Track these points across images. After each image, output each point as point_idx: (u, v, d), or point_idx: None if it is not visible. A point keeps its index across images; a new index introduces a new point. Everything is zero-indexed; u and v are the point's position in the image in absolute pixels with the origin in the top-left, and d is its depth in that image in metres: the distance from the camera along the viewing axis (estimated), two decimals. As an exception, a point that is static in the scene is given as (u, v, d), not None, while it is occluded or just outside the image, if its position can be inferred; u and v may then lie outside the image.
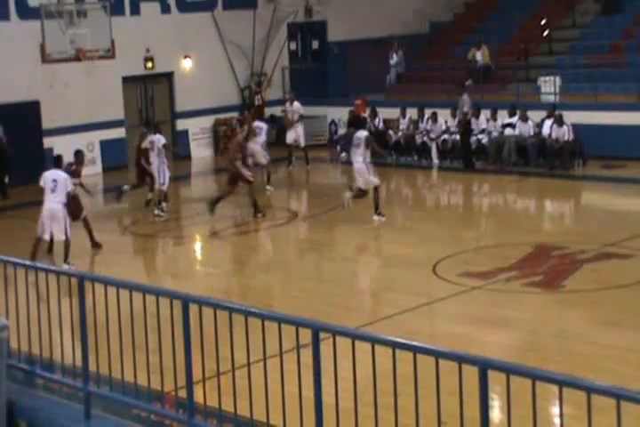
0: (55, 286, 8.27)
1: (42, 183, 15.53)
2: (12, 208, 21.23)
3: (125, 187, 20.76)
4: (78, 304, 7.80)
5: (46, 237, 15.48)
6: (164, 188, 19.63)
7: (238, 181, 19.06)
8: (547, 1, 29.53)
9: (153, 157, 19.77)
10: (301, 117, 24.88)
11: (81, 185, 17.02)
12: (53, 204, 15.33)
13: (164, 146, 19.71)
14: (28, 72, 23.50)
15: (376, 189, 18.02)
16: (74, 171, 16.63)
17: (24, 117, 23.44)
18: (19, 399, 8.20)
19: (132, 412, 8.03)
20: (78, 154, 17.33)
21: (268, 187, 21.72)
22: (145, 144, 20.03)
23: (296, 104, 24.83)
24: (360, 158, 17.86)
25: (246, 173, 18.95)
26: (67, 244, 15.42)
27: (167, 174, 19.73)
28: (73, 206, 16.05)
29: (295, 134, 24.67)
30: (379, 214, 17.87)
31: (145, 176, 20.47)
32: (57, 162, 16.23)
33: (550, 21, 28.33)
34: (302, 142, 24.75)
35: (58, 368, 8.33)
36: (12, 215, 20.76)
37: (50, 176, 15.53)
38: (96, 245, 16.76)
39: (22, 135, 23.09)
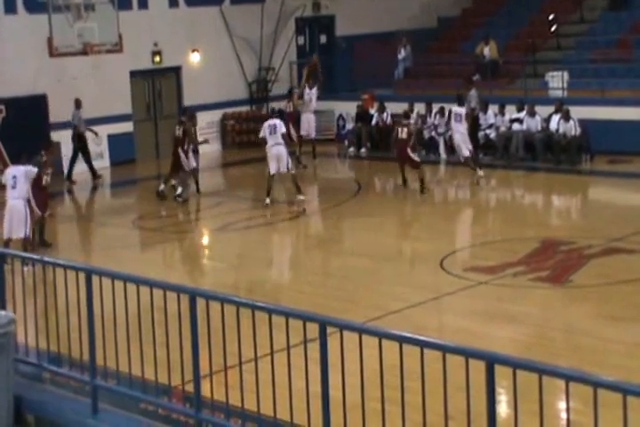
0: (62, 279, 8.30)
1: (2, 180, 15.35)
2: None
3: (179, 191, 20.57)
4: (86, 298, 7.82)
5: (8, 236, 15.05)
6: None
7: None
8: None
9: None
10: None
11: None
12: (13, 200, 15.08)
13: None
14: (35, 66, 23.51)
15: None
16: (44, 162, 16.39)
17: (31, 111, 23.45)
18: (26, 393, 8.23)
19: (139, 406, 8.04)
20: (50, 145, 17.15)
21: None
22: (178, 133, 20.20)
23: (314, 90, 24.96)
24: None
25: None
26: (26, 242, 15.00)
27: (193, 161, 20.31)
28: (40, 199, 15.78)
29: (307, 124, 24.58)
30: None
31: (179, 166, 20.46)
32: (26, 158, 15.73)
33: (558, 17, 28.25)
34: (313, 133, 24.76)
35: (65, 362, 8.34)
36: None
37: (10, 173, 15.31)
38: (44, 244, 16.38)
39: (29, 129, 23.11)
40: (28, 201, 15.17)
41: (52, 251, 15.29)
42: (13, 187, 15.12)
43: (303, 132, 24.70)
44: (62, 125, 23.68)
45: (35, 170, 15.42)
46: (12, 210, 15.08)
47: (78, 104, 23.37)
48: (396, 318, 11.82)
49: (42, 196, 15.93)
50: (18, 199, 15.06)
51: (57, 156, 18.10)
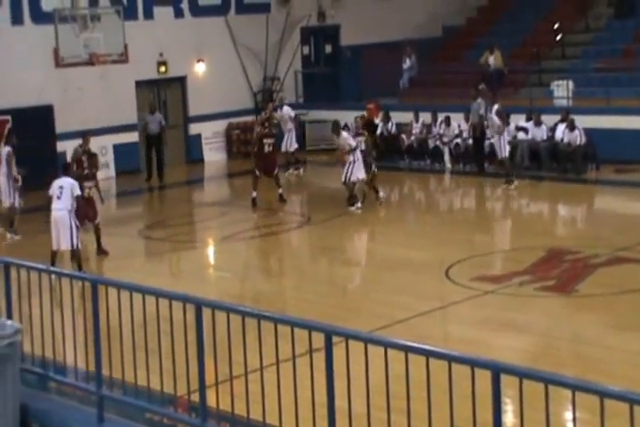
0: (69, 290, 8.31)
1: (50, 192, 15.44)
2: (27, 211, 21.30)
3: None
4: (92, 308, 7.82)
5: (57, 247, 15.27)
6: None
7: None
8: (560, 5, 29.48)
9: None
10: (292, 120, 24.69)
11: (97, 188, 17.01)
12: (59, 211, 15.21)
13: None
14: (41, 76, 23.56)
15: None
16: (87, 174, 16.63)
17: (38, 122, 23.51)
18: (32, 403, 8.22)
19: (144, 416, 8.04)
20: (92, 157, 17.36)
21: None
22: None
23: (285, 108, 24.62)
24: None
25: None
26: (74, 253, 15.27)
27: None
28: (88, 208, 16.03)
29: (286, 141, 24.31)
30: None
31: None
32: (65, 169, 16.16)
33: (563, 25, 28.28)
34: (291, 147, 24.42)
35: (71, 372, 8.34)
36: (26, 219, 20.81)
37: (57, 184, 15.44)
38: (102, 252, 16.71)
39: (36, 139, 23.15)
40: (73, 212, 15.25)
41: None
42: (59, 197, 15.25)
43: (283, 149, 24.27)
44: (68, 136, 23.72)
45: (76, 184, 15.60)
46: (57, 221, 15.24)
47: None
48: (402, 327, 11.82)
49: (85, 207, 16.00)
50: (63, 211, 15.20)
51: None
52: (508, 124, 23.81)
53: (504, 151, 21.28)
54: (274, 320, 6.70)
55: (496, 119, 21.41)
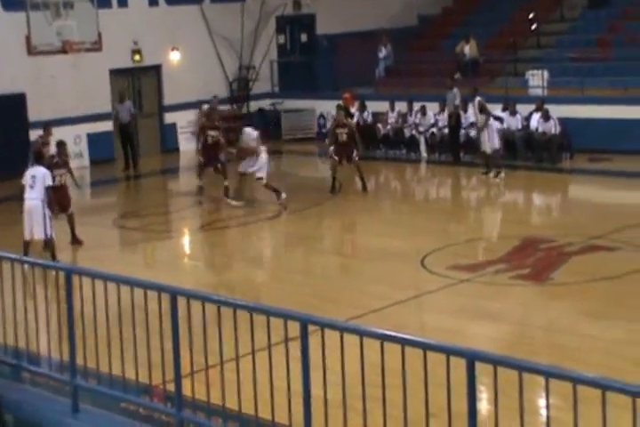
0: (42, 280, 8.26)
1: (23, 181, 15.30)
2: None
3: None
4: (66, 298, 7.78)
5: (29, 237, 15.17)
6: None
7: None
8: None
9: None
10: None
11: (70, 175, 16.90)
12: (32, 201, 15.08)
13: None
14: (13, 64, 23.38)
15: None
16: (57, 162, 16.50)
17: (10, 110, 23.35)
18: (6, 393, 8.18)
19: (120, 405, 8.02)
20: (61, 145, 17.23)
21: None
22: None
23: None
24: None
25: None
26: (48, 242, 15.17)
27: None
28: (60, 198, 15.93)
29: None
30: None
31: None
32: (36, 157, 16.00)
33: (538, 15, 28.35)
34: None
35: (45, 362, 8.31)
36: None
37: (29, 173, 15.29)
38: (77, 242, 16.59)
39: (8, 128, 23.03)
40: (45, 202, 15.14)
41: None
42: (32, 187, 15.12)
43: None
44: (41, 124, 23.56)
45: (59, 172, 15.57)
46: (30, 211, 15.11)
47: None
48: (377, 316, 11.82)
49: (57, 195, 15.83)
50: (36, 200, 15.08)
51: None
52: (490, 115, 23.82)
53: (495, 144, 21.14)
54: (249, 309, 6.68)
55: (477, 115, 21.38)
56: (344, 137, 20.48)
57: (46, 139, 18.68)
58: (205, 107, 23.48)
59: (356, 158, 20.46)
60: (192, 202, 20.50)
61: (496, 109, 23.64)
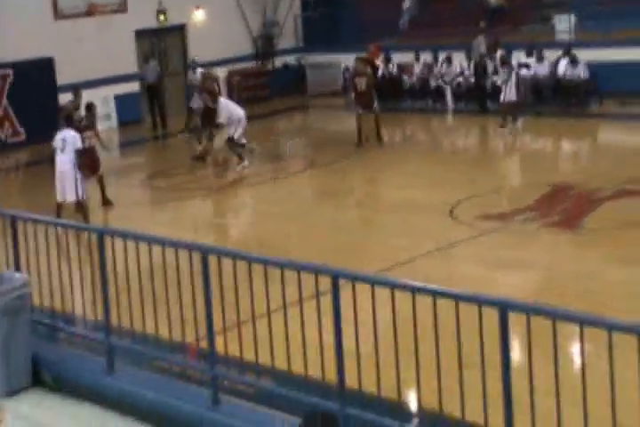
0: (75, 241, 8.33)
1: (53, 144, 15.39)
2: (30, 164, 21.34)
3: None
4: (98, 258, 7.84)
5: (62, 199, 15.30)
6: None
7: None
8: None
9: None
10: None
11: (97, 138, 16.93)
12: (63, 164, 15.17)
13: None
14: (40, 29, 23.40)
15: None
16: (85, 125, 16.56)
17: (38, 74, 23.40)
18: (43, 353, 8.29)
19: (154, 363, 8.10)
20: (90, 107, 17.28)
21: None
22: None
23: (199, 71, 23.42)
24: None
25: None
26: (79, 205, 15.26)
27: None
28: (90, 160, 15.94)
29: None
30: None
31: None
32: (67, 121, 16.10)
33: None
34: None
35: (80, 322, 8.39)
36: (29, 172, 20.85)
37: (59, 136, 15.35)
38: (107, 203, 16.68)
39: (37, 92, 23.09)
40: (76, 165, 15.19)
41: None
42: (62, 150, 15.19)
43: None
44: (70, 88, 23.61)
45: (87, 134, 15.58)
46: (61, 174, 15.21)
47: None
48: (406, 268, 11.80)
49: (87, 158, 15.80)
50: (67, 163, 15.14)
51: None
52: (510, 67, 23.60)
53: (511, 94, 20.90)
54: (280, 265, 6.70)
55: (499, 69, 21.16)
56: (362, 86, 20.47)
57: (77, 102, 18.70)
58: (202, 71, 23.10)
59: (376, 108, 20.38)
60: (220, 160, 20.50)
61: (521, 56, 23.45)
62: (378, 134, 20.46)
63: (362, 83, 20.55)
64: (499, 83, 22.36)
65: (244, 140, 19.28)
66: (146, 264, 7.46)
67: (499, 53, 21.17)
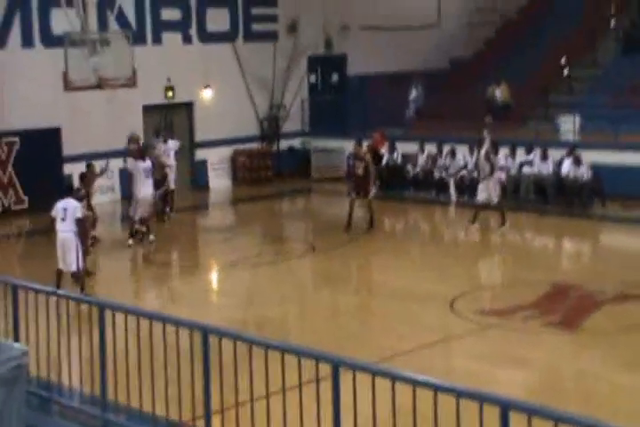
0: (75, 313, 8.30)
1: (53, 213, 15.40)
2: (32, 233, 21.34)
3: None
4: (98, 332, 7.80)
5: (62, 267, 15.32)
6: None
7: None
8: (567, 39, 29.57)
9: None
10: (177, 155, 23.54)
11: (89, 206, 17.04)
12: (64, 233, 15.21)
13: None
14: (50, 99, 23.66)
15: None
16: (82, 195, 16.64)
17: (45, 144, 23.60)
18: (36, 425, 8.18)
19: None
20: (88, 167, 17.90)
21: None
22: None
23: (170, 143, 23.43)
24: None
25: None
26: (78, 274, 15.27)
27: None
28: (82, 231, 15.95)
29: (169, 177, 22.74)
30: None
31: None
32: (69, 190, 16.22)
33: (570, 60, 28.38)
34: (172, 184, 22.92)
35: (76, 396, 8.32)
36: (31, 242, 20.85)
37: (60, 205, 15.41)
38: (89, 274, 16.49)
39: (42, 161, 23.26)
40: (77, 234, 15.24)
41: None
42: (63, 219, 15.23)
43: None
44: (75, 158, 23.78)
45: (80, 206, 15.59)
46: (62, 243, 15.24)
47: None
48: (405, 359, 11.74)
49: (83, 226, 15.88)
50: (68, 232, 15.19)
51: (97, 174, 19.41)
52: (513, 157, 23.79)
53: (494, 196, 20.52)
54: (281, 349, 6.68)
55: (484, 163, 20.99)
56: (360, 170, 20.51)
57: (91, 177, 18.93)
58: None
59: (372, 195, 20.44)
60: (222, 238, 20.53)
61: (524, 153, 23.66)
62: (370, 221, 20.43)
63: (359, 167, 20.59)
64: (502, 177, 22.45)
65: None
66: (146, 340, 7.43)
67: (483, 150, 21.18)
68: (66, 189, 16.44)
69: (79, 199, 15.98)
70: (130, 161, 20.21)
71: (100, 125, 24.77)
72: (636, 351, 12.16)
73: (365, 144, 24.95)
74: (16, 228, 22.20)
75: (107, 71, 22.49)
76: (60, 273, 15.28)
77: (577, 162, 22.53)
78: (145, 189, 19.53)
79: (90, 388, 8.08)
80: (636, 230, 20.55)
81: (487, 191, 20.47)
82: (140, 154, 20.05)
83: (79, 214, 15.38)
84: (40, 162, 23.17)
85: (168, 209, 22.41)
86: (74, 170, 23.52)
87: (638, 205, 21.80)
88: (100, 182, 23.39)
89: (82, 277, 15.36)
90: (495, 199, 20.47)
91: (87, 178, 17.66)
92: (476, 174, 22.08)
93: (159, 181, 20.98)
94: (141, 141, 22.07)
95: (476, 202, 20.85)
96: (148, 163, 19.70)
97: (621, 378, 11.20)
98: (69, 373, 8.30)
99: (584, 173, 22.43)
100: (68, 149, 24.05)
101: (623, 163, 22.56)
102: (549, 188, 22.95)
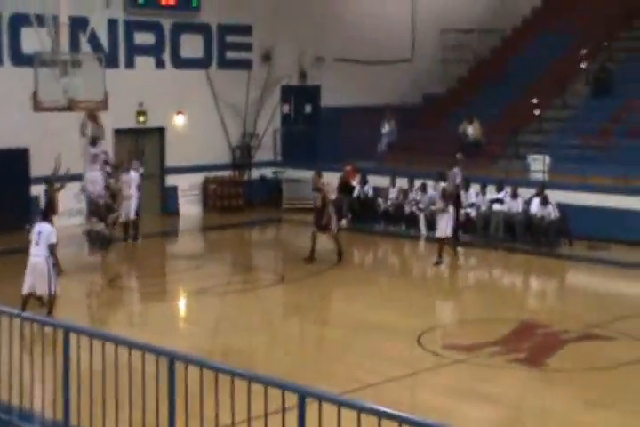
0: (39, 335, 8.18)
1: (30, 236, 15.35)
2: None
3: None
4: (62, 356, 7.69)
5: (28, 291, 15.09)
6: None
7: None
8: (538, 80, 29.82)
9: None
10: (139, 187, 23.35)
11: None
12: (36, 257, 15.09)
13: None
14: (18, 119, 23.49)
15: None
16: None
17: (12, 165, 23.42)
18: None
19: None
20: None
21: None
22: None
23: (133, 173, 23.25)
24: None
25: None
26: (50, 299, 15.08)
27: None
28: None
29: (128, 208, 22.84)
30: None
31: None
32: (44, 214, 16.10)
33: (541, 101, 28.63)
34: (132, 214, 22.99)
35: (37, 420, 8.18)
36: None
37: (36, 229, 15.32)
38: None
39: (10, 182, 23.08)
40: (49, 259, 15.11)
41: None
42: (37, 243, 15.11)
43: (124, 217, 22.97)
44: (43, 180, 23.59)
45: (54, 231, 15.40)
46: (34, 267, 15.08)
47: None
48: (371, 392, 11.70)
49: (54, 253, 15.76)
50: (40, 257, 15.05)
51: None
52: (484, 194, 23.90)
53: (444, 230, 20.61)
54: (248, 378, 6.61)
55: (438, 199, 21.04)
56: (317, 202, 20.31)
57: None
58: None
59: (334, 229, 20.25)
60: (191, 265, 20.41)
61: (494, 191, 23.77)
62: (338, 253, 20.30)
63: (317, 198, 20.41)
64: (472, 213, 22.51)
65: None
66: (110, 365, 7.33)
67: (442, 185, 21.25)
68: (42, 213, 16.29)
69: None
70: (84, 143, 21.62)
71: (70, 147, 24.57)
72: (597, 390, 12.21)
73: (338, 176, 25.04)
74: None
75: (77, 93, 22.33)
76: (26, 298, 15.05)
77: (544, 201, 22.64)
78: (91, 172, 21.68)
79: (52, 412, 7.95)
80: (600, 271, 20.65)
81: (441, 226, 20.48)
82: (92, 140, 21.81)
83: (53, 239, 15.24)
84: (7, 183, 22.99)
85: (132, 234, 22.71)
86: (41, 191, 23.39)
87: (603, 246, 21.93)
88: (69, 205, 23.35)
89: (52, 302, 15.16)
90: (449, 234, 20.49)
91: (49, 190, 17.72)
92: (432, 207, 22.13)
93: (109, 206, 21.60)
94: (99, 119, 22.58)
95: (435, 237, 20.87)
96: (96, 149, 21.79)
97: (582, 416, 11.21)
98: (31, 396, 8.15)
99: (550, 212, 22.54)
100: (35, 170, 23.83)
101: (591, 204, 22.69)
102: (518, 226, 23.05)
